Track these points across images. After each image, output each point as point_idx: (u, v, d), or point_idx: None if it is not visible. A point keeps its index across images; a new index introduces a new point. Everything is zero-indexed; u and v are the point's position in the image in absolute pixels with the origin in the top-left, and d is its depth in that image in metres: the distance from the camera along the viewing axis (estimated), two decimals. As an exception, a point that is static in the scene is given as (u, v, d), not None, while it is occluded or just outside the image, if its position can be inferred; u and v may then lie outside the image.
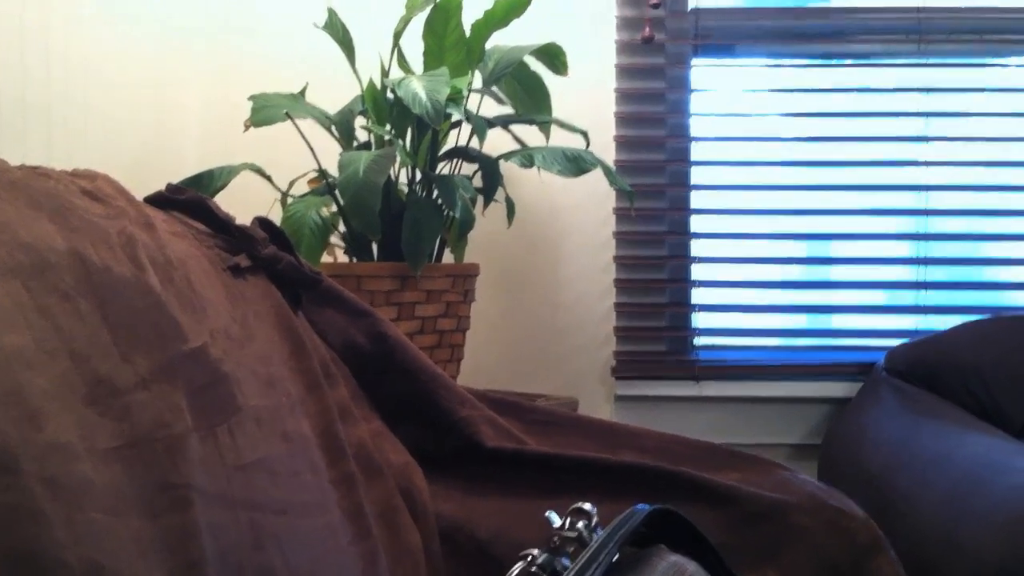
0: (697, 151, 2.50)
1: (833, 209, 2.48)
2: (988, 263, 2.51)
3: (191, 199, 1.25)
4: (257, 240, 1.27)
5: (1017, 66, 2.53)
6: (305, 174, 2.10)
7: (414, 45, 2.07)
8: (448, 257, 2.09)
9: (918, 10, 2.48)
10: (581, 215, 2.46)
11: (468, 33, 2.04)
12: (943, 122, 2.51)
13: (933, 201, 2.49)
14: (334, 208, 1.96)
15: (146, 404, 0.79)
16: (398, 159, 1.97)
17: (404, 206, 1.93)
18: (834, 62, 2.54)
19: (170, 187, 1.28)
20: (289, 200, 2.00)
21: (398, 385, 1.34)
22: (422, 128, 2.00)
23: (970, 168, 2.49)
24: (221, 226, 1.26)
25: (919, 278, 2.49)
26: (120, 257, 0.92)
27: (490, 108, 2.16)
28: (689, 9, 2.51)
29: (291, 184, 2.07)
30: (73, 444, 0.69)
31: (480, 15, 2.02)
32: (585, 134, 2.11)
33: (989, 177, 2.49)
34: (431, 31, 2.06)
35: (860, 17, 2.52)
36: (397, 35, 2.05)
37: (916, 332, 2.43)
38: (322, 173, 1.99)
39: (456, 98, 1.93)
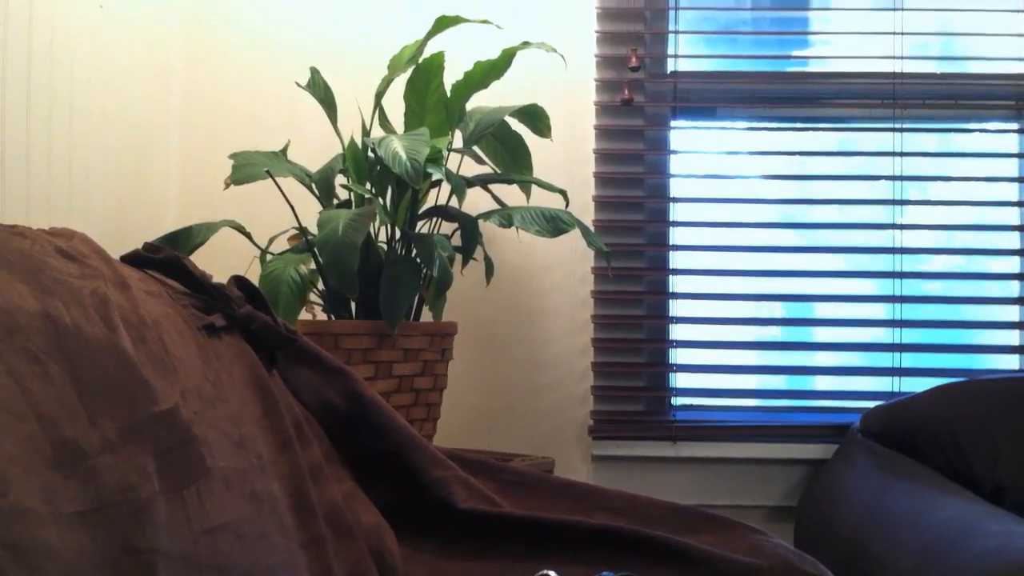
0: (676, 212, 2.52)
1: (811, 271, 2.50)
2: (963, 326, 2.53)
3: (167, 258, 1.26)
4: (233, 299, 1.27)
5: (991, 131, 2.57)
6: (285, 231, 2.11)
7: (396, 105, 2.10)
8: (426, 315, 2.10)
9: (894, 75, 2.51)
10: (559, 274, 2.47)
11: (449, 94, 2.06)
12: (920, 185, 2.54)
13: (910, 264, 2.51)
14: (313, 266, 1.96)
15: (113, 467, 0.79)
16: (377, 218, 1.99)
17: (383, 264, 1.93)
18: (812, 126, 2.57)
19: (147, 246, 1.29)
20: (268, 257, 2.01)
21: (372, 445, 1.34)
22: (402, 187, 2.02)
23: (946, 231, 2.52)
24: (197, 285, 1.26)
25: (895, 340, 2.51)
26: (93, 318, 0.93)
27: (470, 167, 2.18)
28: (668, 72, 2.54)
29: (271, 241, 2.08)
30: (37, 509, 0.69)
31: (461, 76, 2.05)
32: (564, 194, 2.13)
33: (965, 240, 2.52)
34: (412, 91, 2.08)
35: (837, 82, 2.56)
36: (379, 95, 2.07)
37: (892, 394, 2.44)
38: (302, 231, 2.00)
39: (436, 158, 1.94)
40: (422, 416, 1.97)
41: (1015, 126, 2.58)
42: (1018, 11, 2.55)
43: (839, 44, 2.58)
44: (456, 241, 2.07)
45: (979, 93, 2.55)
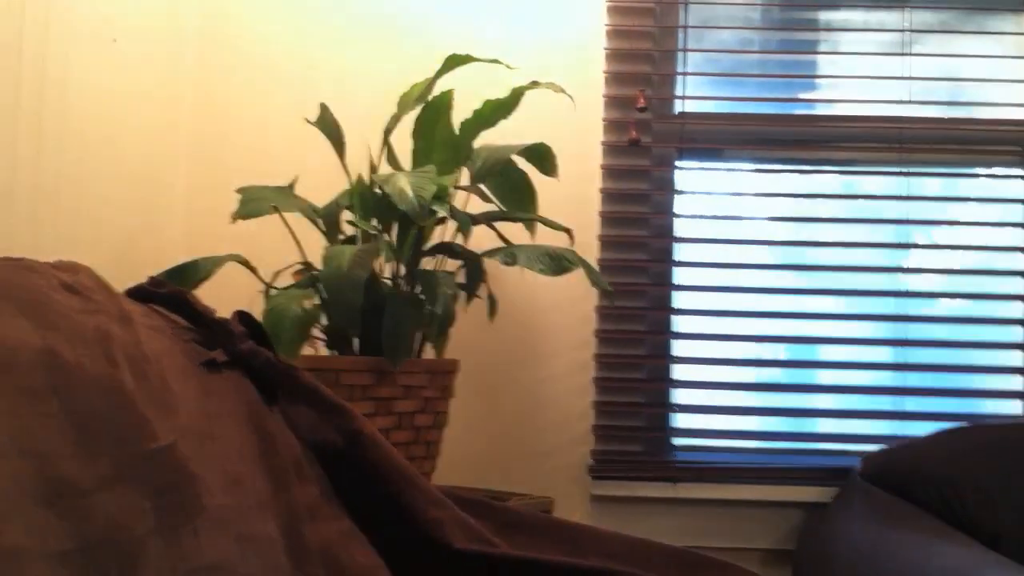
0: (680, 252, 2.53)
1: (813, 312, 2.51)
2: (966, 371, 2.53)
3: (171, 293, 1.27)
4: (235, 335, 1.28)
5: (997, 176, 2.58)
6: (290, 266, 2.12)
7: (404, 141, 2.11)
8: (429, 352, 2.10)
9: (900, 120, 2.53)
10: (563, 313, 2.48)
11: (457, 131, 2.08)
12: (925, 229, 2.55)
13: (914, 307, 2.52)
14: (317, 301, 1.97)
15: (107, 505, 0.79)
16: (382, 254, 2.00)
17: (386, 301, 1.94)
18: (818, 168, 2.58)
19: (151, 280, 1.30)
20: (272, 292, 2.02)
21: (369, 484, 1.34)
22: (407, 224, 2.03)
23: (950, 276, 2.52)
24: (200, 320, 1.27)
25: (898, 383, 2.51)
26: (94, 354, 0.94)
27: (476, 205, 2.19)
28: (675, 113, 2.56)
29: (275, 276, 2.09)
30: (29, 547, 0.69)
31: (470, 114, 2.07)
32: (569, 232, 2.14)
33: (969, 285, 2.52)
34: (420, 129, 2.10)
35: (844, 125, 2.57)
36: (387, 132, 2.09)
37: (894, 438, 2.43)
38: (307, 266, 2.02)
39: (442, 195, 1.96)
40: (422, 454, 1.98)
41: (1021, 172, 2.59)
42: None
43: (846, 88, 2.60)
44: (460, 278, 2.08)
45: (985, 138, 2.57)
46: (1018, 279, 2.55)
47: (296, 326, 1.81)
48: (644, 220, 2.53)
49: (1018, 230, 2.56)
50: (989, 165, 2.60)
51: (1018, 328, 2.54)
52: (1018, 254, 2.56)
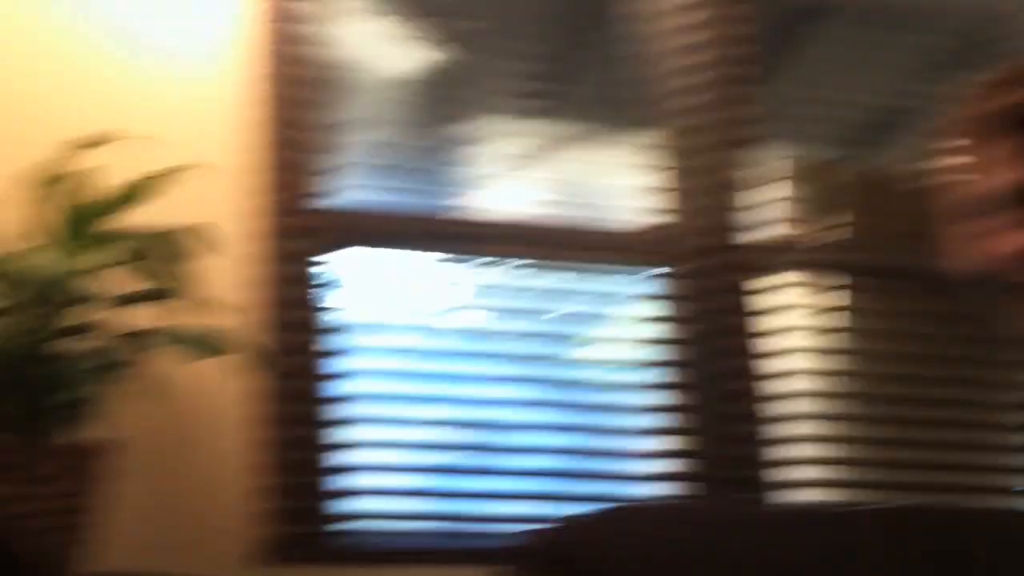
0: (344, 339, 2.55)
1: (482, 399, 2.65)
2: (621, 456, 2.70)
3: None
4: None
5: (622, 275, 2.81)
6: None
7: (38, 219, 2.02)
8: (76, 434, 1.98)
9: (532, 223, 2.76)
10: (227, 393, 2.37)
11: (101, 208, 2.01)
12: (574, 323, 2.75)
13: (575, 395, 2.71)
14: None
15: None
16: (20, 333, 1.89)
17: (27, 381, 1.83)
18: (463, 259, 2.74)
19: None
20: None
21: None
22: (43, 303, 1.93)
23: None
24: None
25: (563, 467, 2.64)
26: None
27: (125, 284, 2.10)
28: (325, 206, 2.61)
29: None
30: None
31: (118, 191, 2.01)
32: (229, 312, 2.11)
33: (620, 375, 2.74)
34: (57, 207, 2.01)
35: (481, 224, 2.75)
36: (26, 206, 1.99)
37: (558, 518, 2.51)
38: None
39: (80, 274, 1.89)
40: (75, 540, 1.86)
41: (647, 272, 2.79)
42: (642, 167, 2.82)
43: (487, 189, 2.81)
44: (110, 357, 1.99)
45: (611, 243, 2.80)
46: (657, 369, 2.73)
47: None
48: (305, 305, 2.52)
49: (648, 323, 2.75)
50: (620, 266, 2.81)
51: (662, 414, 2.70)
52: (654, 345, 2.74)
